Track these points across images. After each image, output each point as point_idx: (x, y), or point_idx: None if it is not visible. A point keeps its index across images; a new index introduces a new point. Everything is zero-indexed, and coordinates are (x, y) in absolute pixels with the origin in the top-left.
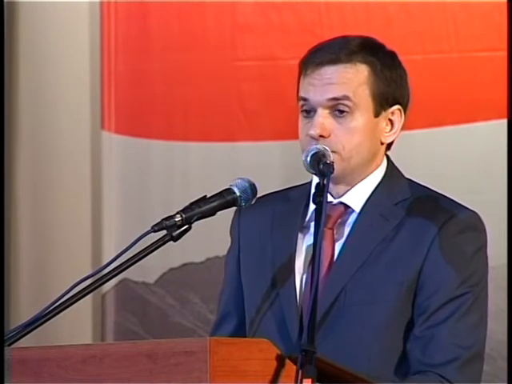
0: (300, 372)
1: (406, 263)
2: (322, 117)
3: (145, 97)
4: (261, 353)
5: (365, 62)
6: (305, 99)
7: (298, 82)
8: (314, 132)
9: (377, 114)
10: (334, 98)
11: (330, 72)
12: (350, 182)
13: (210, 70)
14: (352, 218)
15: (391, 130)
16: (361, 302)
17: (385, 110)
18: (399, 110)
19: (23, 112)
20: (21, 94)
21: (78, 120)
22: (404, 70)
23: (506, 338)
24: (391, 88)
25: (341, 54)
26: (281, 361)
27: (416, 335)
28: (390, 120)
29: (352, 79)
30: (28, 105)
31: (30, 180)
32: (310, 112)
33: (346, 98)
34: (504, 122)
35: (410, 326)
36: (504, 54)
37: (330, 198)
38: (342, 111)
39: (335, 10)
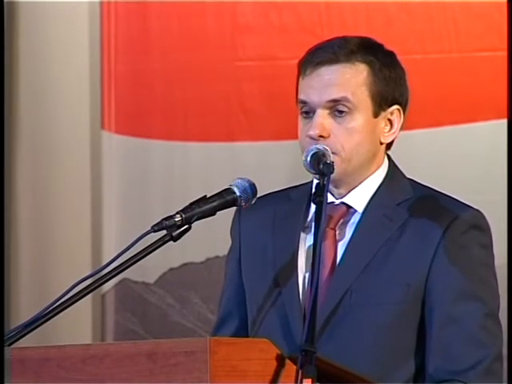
0: (300, 372)
1: (412, 265)
2: (322, 117)
3: (145, 97)
4: (261, 353)
5: (364, 62)
6: (304, 102)
7: (297, 83)
8: (314, 132)
9: (376, 115)
10: (333, 100)
11: (329, 72)
12: (352, 184)
13: (210, 69)
14: (355, 219)
15: (390, 129)
16: (366, 304)
17: (384, 110)
18: (398, 110)
19: (23, 112)
20: (21, 93)
21: (78, 120)
22: (403, 70)
23: (506, 338)
24: (390, 87)
25: (340, 53)
26: (281, 361)
27: (433, 338)
28: (390, 120)
29: (351, 80)
30: (28, 104)
31: (30, 180)
32: (309, 113)
33: (345, 99)
34: (504, 122)
35: (421, 328)
36: (504, 54)
37: (331, 199)
38: (341, 111)
39: (335, 10)
